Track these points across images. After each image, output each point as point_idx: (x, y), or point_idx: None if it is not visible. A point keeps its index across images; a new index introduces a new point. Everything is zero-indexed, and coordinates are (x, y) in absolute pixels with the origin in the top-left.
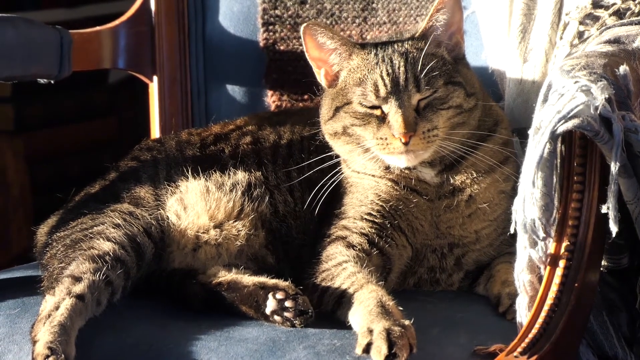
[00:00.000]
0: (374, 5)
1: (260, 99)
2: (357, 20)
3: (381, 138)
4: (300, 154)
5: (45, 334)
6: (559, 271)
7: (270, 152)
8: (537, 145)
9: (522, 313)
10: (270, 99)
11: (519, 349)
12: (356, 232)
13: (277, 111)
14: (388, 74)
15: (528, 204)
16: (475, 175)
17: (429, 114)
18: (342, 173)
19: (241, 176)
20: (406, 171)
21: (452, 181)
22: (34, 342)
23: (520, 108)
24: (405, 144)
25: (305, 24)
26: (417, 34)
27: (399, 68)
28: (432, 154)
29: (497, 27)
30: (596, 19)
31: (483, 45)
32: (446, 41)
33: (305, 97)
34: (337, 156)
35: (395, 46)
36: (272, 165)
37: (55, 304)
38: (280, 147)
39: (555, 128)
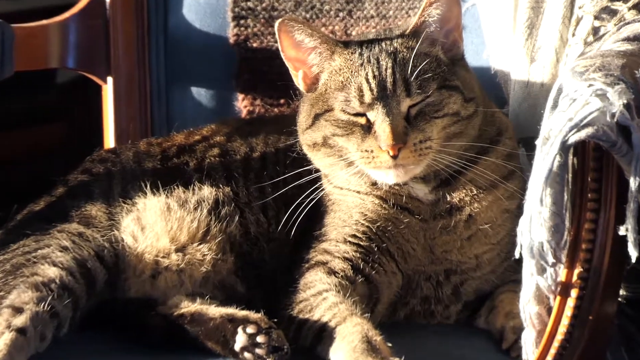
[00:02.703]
0: None
1: (229, 104)
2: (340, 14)
3: (366, 150)
4: (275, 167)
5: None
6: (570, 302)
7: (241, 165)
8: (545, 157)
9: (529, 350)
10: (242, 104)
11: None
12: (339, 257)
13: (249, 118)
14: (374, 77)
15: (535, 225)
16: (475, 192)
17: (421, 123)
18: (322, 189)
19: (207, 192)
20: (396, 187)
21: (448, 199)
22: None
23: (526, 115)
24: (394, 157)
25: (280, 19)
26: (408, 31)
27: (386, 70)
28: (425, 169)
29: (501, 22)
30: (614, 13)
31: (484, 43)
32: (442, 39)
33: (282, 102)
34: (317, 170)
35: (383, 45)
36: (242, 180)
37: None
38: (253, 159)
39: (567, 138)
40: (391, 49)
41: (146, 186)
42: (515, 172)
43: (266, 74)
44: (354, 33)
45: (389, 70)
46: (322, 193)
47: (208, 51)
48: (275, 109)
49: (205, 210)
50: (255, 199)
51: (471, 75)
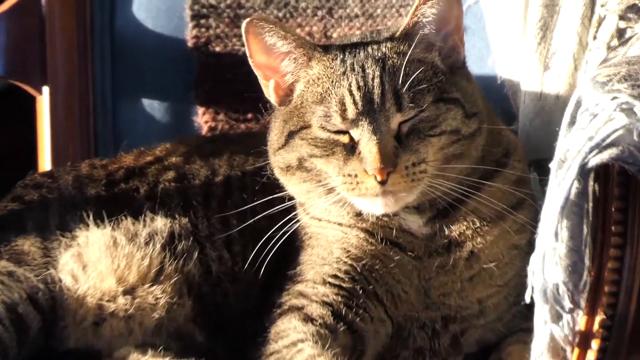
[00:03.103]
0: None
1: (188, 119)
2: (319, 13)
3: (350, 175)
4: (242, 194)
5: None
6: (591, 355)
7: (200, 191)
8: (561, 183)
9: None
10: (202, 119)
11: None
12: (317, 301)
13: (211, 136)
14: (359, 88)
15: (549, 264)
16: (478, 224)
17: (414, 142)
18: (297, 221)
19: (161, 224)
20: (385, 219)
21: (447, 232)
22: None
23: (539, 132)
24: (382, 182)
25: (248, 19)
26: (399, 33)
27: (373, 79)
28: (419, 197)
29: (509, 23)
30: None
31: (490, 48)
32: (439, 43)
33: (249, 116)
34: (291, 198)
35: (370, 49)
36: (203, 210)
37: None
38: (215, 185)
39: (586, 160)
40: (379, 54)
41: (88, 217)
42: (526, 200)
43: (231, 83)
44: (335, 35)
45: (377, 80)
46: (297, 225)
47: (162, 56)
48: (242, 125)
49: (158, 246)
50: (217, 232)
51: (474, 85)
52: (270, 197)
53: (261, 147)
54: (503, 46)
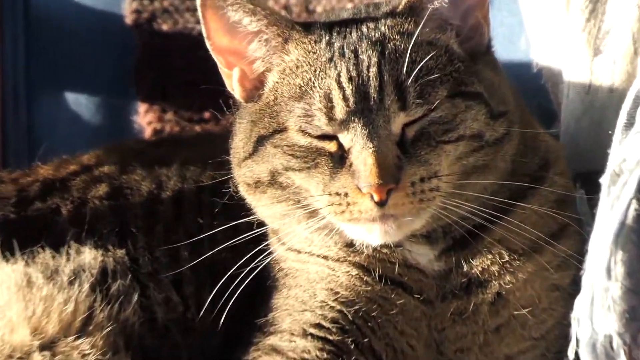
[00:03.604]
0: None
1: (125, 119)
2: None
3: (338, 193)
4: (196, 217)
5: None
6: None
7: (142, 213)
8: (615, 203)
9: None
10: (144, 119)
11: None
12: (295, 358)
13: (156, 140)
14: (350, 79)
15: (600, 309)
16: (507, 258)
17: (423, 151)
18: (269, 253)
19: (90, 258)
20: (384, 251)
21: (465, 269)
22: None
23: (587, 137)
24: (381, 203)
25: None
26: (402, 7)
27: (369, 68)
28: (430, 222)
29: None
30: None
31: (523, 26)
32: (456, 21)
33: (206, 116)
34: (262, 223)
35: (365, 29)
36: (144, 238)
37: None
38: (161, 204)
39: None
40: (377, 35)
41: None
42: (570, 226)
43: (183, 72)
44: (319, 10)
45: (374, 69)
46: (269, 259)
47: (92, 37)
48: (197, 127)
49: (86, 286)
50: (164, 268)
51: (501, 76)
52: (235, 222)
53: (222, 155)
54: (540, 24)
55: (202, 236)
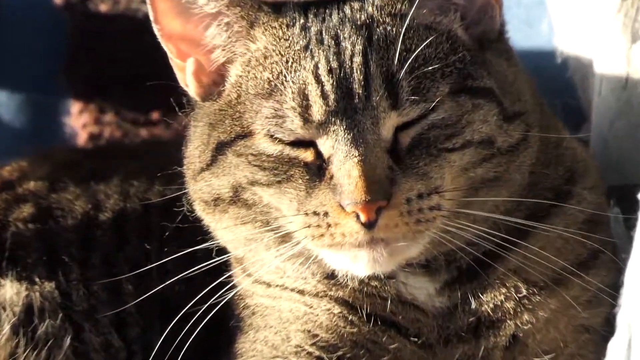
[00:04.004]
0: None
1: (55, 120)
2: None
3: (316, 213)
4: (142, 243)
5: None
6: None
7: (76, 238)
8: None
9: None
10: (78, 120)
11: None
12: None
13: (94, 148)
14: (330, 72)
15: (639, 354)
16: (524, 292)
17: (421, 161)
18: (232, 287)
19: (11, 292)
20: (373, 283)
21: (474, 306)
22: None
23: (624, 142)
24: (369, 225)
25: None
26: None
27: (352, 58)
28: (429, 248)
29: None
30: None
31: (544, 6)
32: (461, 1)
33: (154, 117)
34: (222, 250)
35: (348, 10)
36: (79, 269)
37: None
38: (99, 227)
39: None
40: (362, 17)
41: None
42: (602, 253)
43: (125, 64)
44: None
45: (358, 59)
46: (232, 294)
47: (13, 21)
48: (143, 131)
49: (6, 327)
50: (103, 306)
51: (517, 68)
52: (190, 248)
53: (173, 166)
54: (566, 5)
55: (149, 267)
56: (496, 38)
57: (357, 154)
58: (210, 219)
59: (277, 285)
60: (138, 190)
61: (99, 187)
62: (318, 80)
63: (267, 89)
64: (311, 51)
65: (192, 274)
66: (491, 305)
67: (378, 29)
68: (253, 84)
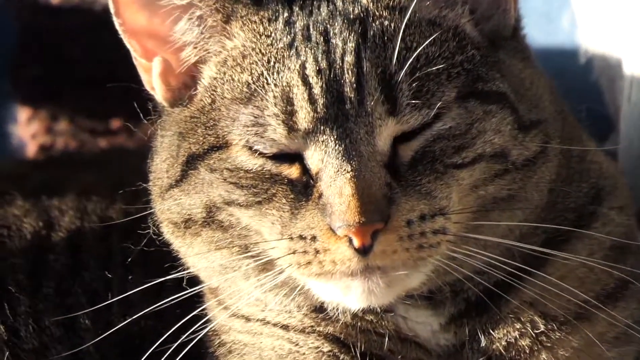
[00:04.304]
0: None
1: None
2: None
3: (302, 237)
4: (102, 269)
5: None
6: None
7: (24, 263)
8: None
9: None
10: (27, 129)
11: None
12: None
13: (45, 160)
14: (319, 73)
15: None
16: (543, 327)
17: (425, 178)
18: (206, 321)
19: None
20: (369, 318)
21: (484, 343)
22: None
23: None
24: (364, 250)
25: None
26: None
27: (343, 57)
28: (433, 278)
29: None
30: None
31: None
32: None
33: (115, 125)
34: (194, 280)
35: (338, 1)
36: (28, 300)
37: None
38: (51, 250)
39: None
40: (356, 10)
41: None
42: (632, 284)
43: (80, 65)
44: None
45: (351, 58)
46: (206, 330)
47: None
48: (102, 141)
49: None
50: (56, 343)
51: (534, 70)
52: (157, 277)
53: (137, 182)
54: None
55: (111, 300)
56: (510, 35)
57: (349, 169)
58: (180, 243)
59: (257, 320)
60: (97, 207)
61: (52, 202)
62: (305, 83)
63: (246, 92)
64: (297, 49)
65: (159, 307)
66: (504, 342)
67: (374, 24)
68: (229, 87)
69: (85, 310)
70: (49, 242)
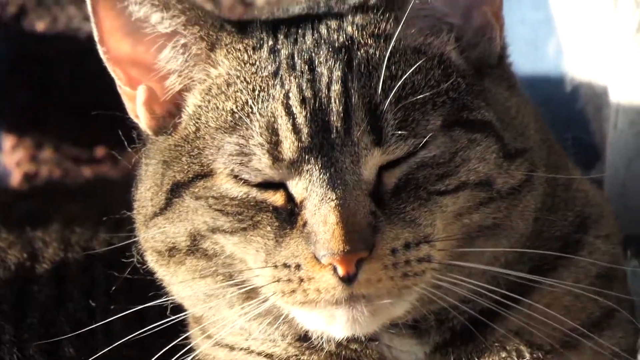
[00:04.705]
0: None
1: None
2: None
3: (286, 265)
4: (86, 299)
5: None
6: None
7: (8, 294)
8: None
9: None
10: (11, 157)
11: None
12: None
13: (29, 189)
14: (303, 102)
15: None
16: (528, 356)
17: (409, 205)
18: (190, 350)
19: None
20: (353, 347)
21: None
22: None
23: None
24: (348, 279)
25: None
26: None
27: (329, 86)
28: (418, 306)
29: None
30: None
31: (552, 25)
32: (454, 19)
33: (99, 154)
34: (178, 308)
35: (324, 30)
36: (12, 329)
37: None
38: (35, 281)
39: None
40: (341, 39)
41: None
42: (618, 312)
43: (65, 92)
44: (259, 1)
45: (337, 87)
46: (189, 358)
47: None
48: (86, 169)
49: None
50: None
51: (520, 98)
52: (140, 305)
53: (122, 210)
54: (576, 23)
55: (94, 326)
56: (496, 63)
57: (334, 197)
58: (165, 272)
59: (241, 349)
60: (81, 238)
61: (36, 233)
62: (289, 112)
63: (231, 121)
64: (281, 78)
65: (143, 334)
66: None
67: (359, 52)
68: (214, 115)
69: (68, 335)
70: (33, 273)
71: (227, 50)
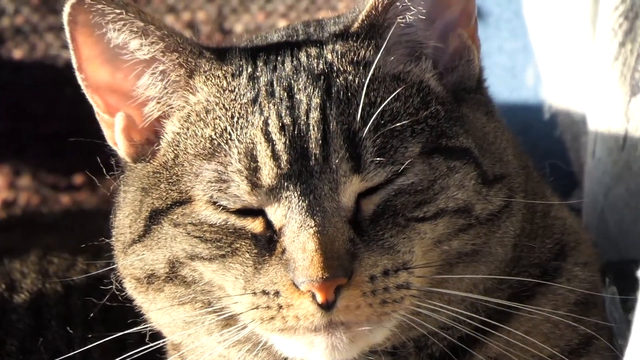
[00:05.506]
0: None
1: None
2: None
3: (265, 292)
4: (64, 327)
5: None
6: None
7: None
8: None
9: None
10: None
11: None
12: None
13: (6, 219)
14: (282, 129)
15: None
16: None
17: (387, 232)
18: None
19: None
20: None
21: None
22: None
23: (622, 212)
24: (327, 306)
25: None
26: (356, 25)
27: (308, 113)
28: (397, 333)
29: (565, 12)
30: None
31: (530, 51)
32: (433, 43)
33: (78, 181)
34: (158, 334)
35: (303, 57)
36: None
37: None
38: (13, 311)
39: None
40: (320, 66)
41: None
42: (596, 339)
43: (43, 119)
44: (238, 28)
45: (315, 114)
46: None
47: None
48: (65, 197)
49: None
50: None
51: (498, 124)
52: (119, 332)
53: (100, 238)
54: (555, 50)
55: (72, 353)
56: (474, 88)
57: (313, 225)
58: (143, 299)
59: None
60: (59, 269)
61: (14, 264)
62: (268, 139)
63: (209, 148)
64: (260, 105)
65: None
66: None
67: (338, 80)
68: (193, 142)
69: None
70: (12, 303)
71: (206, 77)
